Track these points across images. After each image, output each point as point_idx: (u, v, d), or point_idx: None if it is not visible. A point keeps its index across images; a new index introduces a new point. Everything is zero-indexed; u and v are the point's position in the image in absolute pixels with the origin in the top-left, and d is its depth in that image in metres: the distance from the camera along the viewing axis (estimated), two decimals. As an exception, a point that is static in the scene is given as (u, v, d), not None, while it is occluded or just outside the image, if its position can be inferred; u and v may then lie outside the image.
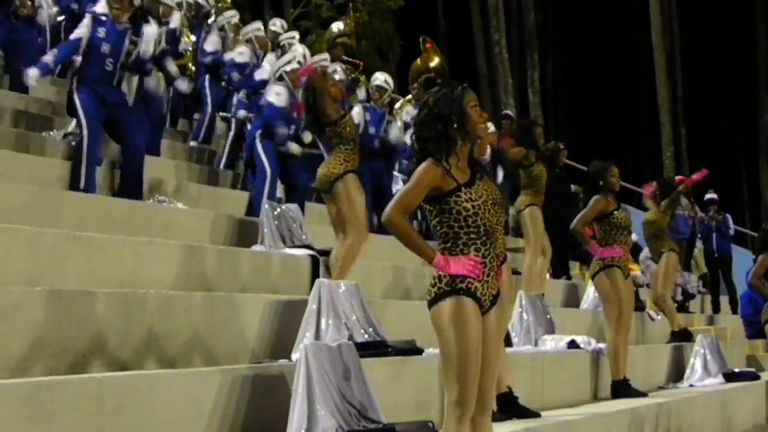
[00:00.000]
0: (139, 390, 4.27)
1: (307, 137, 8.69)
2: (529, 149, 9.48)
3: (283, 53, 10.61)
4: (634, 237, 10.47)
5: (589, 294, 10.41)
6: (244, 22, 12.52)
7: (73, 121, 7.89)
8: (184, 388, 4.52)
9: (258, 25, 11.51)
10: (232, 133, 10.55)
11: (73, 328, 4.82)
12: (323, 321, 5.83)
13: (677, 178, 12.51)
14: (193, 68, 10.74)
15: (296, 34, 11.93)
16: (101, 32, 7.56)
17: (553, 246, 9.80)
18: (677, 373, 9.75)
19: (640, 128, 35.26)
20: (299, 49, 10.57)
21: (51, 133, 8.73)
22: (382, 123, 10.47)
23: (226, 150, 10.60)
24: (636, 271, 11.41)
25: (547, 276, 10.26)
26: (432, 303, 3.91)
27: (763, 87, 30.05)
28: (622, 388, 7.77)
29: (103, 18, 7.62)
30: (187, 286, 6.23)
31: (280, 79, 9.12)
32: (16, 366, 4.53)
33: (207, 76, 11.05)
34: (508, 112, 15.27)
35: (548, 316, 8.35)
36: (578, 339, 8.12)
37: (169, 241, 6.67)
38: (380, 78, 10.81)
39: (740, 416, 9.24)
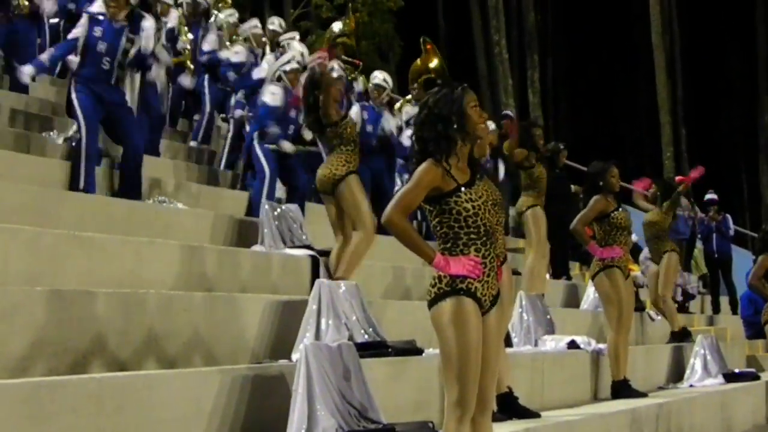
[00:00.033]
0: (139, 390, 4.27)
1: (308, 135, 8.68)
2: (530, 151, 9.49)
3: (283, 53, 10.59)
4: (634, 237, 10.47)
5: (589, 294, 10.42)
6: (243, 22, 12.50)
7: (74, 125, 7.90)
8: (184, 388, 4.52)
9: (255, 22, 11.46)
10: (230, 134, 10.55)
11: (73, 328, 4.82)
12: (323, 321, 5.83)
13: (677, 178, 12.52)
14: (192, 67, 10.74)
15: (296, 35, 11.92)
16: (97, 31, 7.57)
17: (553, 246, 9.80)
18: (677, 373, 9.75)
19: (640, 129, 35.26)
20: (297, 47, 10.56)
21: (51, 133, 8.73)
22: (380, 121, 10.46)
23: (226, 150, 10.60)
24: (636, 271, 11.40)
25: (547, 276, 10.26)
26: (432, 303, 3.91)
27: (763, 87, 30.06)
28: (622, 389, 7.77)
29: (100, 17, 7.63)
30: (187, 287, 6.23)
31: (279, 79, 9.13)
32: (16, 366, 4.53)
33: (206, 76, 11.04)
34: (508, 112, 15.25)
35: (548, 317, 8.35)
36: (578, 339, 8.12)
37: (169, 241, 6.67)
38: (379, 76, 10.79)
39: (740, 416, 9.24)
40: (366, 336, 5.90)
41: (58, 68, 10.26)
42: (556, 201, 10.32)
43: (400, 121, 10.96)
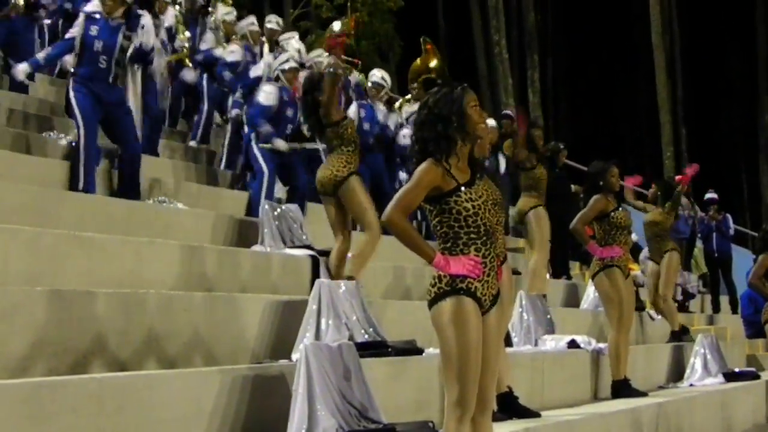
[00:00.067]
0: (140, 390, 4.27)
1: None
2: (530, 152, 9.49)
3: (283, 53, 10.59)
4: (634, 237, 10.48)
5: (589, 294, 10.42)
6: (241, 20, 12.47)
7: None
8: (184, 388, 4.52)
9: (252, 19, 11.40)
10: (228, 134, 10.54)
11: (73, 328, 4.82)
12: (323, 321, 5.83)
13: (676, 178, 12.53)
14: (190, 64, 10.73)
15: (296, 35, 11.90)
16: (94, 30, 7.57)
17: (553, 246, 9.79)
18: (677, 372, 9.76)
19: (640, 128, 35.28)
20: (294, 45, 10.55)
21: (51, 133, 8.73)
22: (377, 119, 10.45)
23: (225, 150, 10.59)
24: (636, 271, 11.42)
25: (547, 276, 10.26)
26: (432, 303, 3.91)
27: (763, 87, 30.06)
28: (622, 388, 7.77)
29: (96, 15, 7.63)
30: (187, 287, 6.23)
31: (277, 78, 9.12)
32: (17, 366, 4.53)
33: (204, 75, 11.03)
34: (509, 112, 15.22)
35: (548, 316, 8.35)
36: (578, 339, 8.12)
37: (169, 241, 6.67)
38: (377, 75, 10.78)
39: (740, 416, 9.24)
40: (366, 336, 5.90)
41: (57, 68, 10.27)
42: (556, 201, 10.32)
43: (400, 118, 10.97)
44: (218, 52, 10.78)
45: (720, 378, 9.49)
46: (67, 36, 7.76)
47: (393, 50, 27.49)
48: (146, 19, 7.89)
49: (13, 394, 3.80)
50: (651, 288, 10.68)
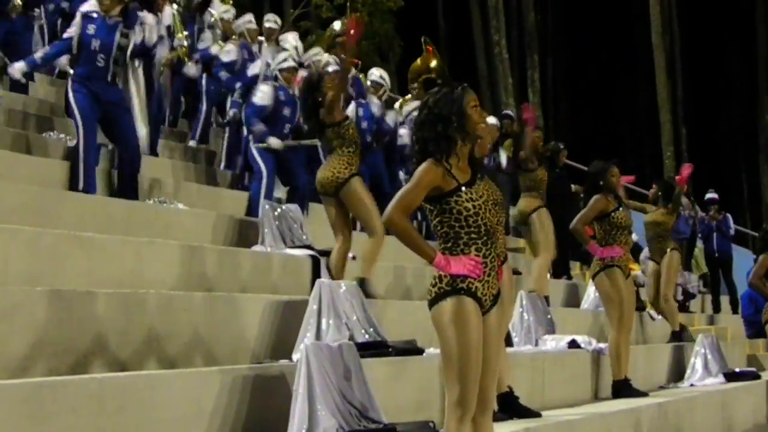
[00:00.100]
0: (140, 390, 4.27)
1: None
2: (531, 154, 9.50)
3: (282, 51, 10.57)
4: (634, 237, 10.48)
5: (590, 294, 10.41)
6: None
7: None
8: (184, 388, 4.51)
9: (249, 17, 11.36)
10: (227, 134, 10.53)
11: (73, 328, 4.82)
12: (324, 321, 5.83)
13: (676, 178, 12.52)
14: (190, 63, 10.71)
15: (295, 35, 11.89)
16: (91, 29, 7.57)
17: (553, 246, 9.80)
18: (678, 372, 9.75)
19: (640, 128, 35.29)
20: (291, 41, 10.53)
21: (51, 134, 8.73)
22: (375, 118, 10.44)
23: (224, 150, 10.59)
24: (636, 270, 11.42)
25: (548, 276, 10.26)
26: (432, 303, 3.91)
27: (763, 87, 30.07)
28: (623, 388, 7.76)
29: (93, 14, 7.62)
30: (187, 286, 6.22)
31: (275, 78, 9.12)
32: (17, 366, 4.53)
33: (204, 74, 11.01)
34: (509, 112, 15.24)
35: (549, 316, 8.35)
36: (579, 339, 8.12)
37: (170, 241, 6.67)
38: (375, 74, 10.76)
39: (741, 416, 9.24)
40: (366, 336, 5.90)
41: (57, 68, 10.25)
42: (556, 201, 10.32)
43: (400, 117, 10.96)
44: (214, 50, 10.77)
45: (720, 378, 9.48)
46: (65, 36, 7.75)
47: (393, 50, 27.48)
48: (148, 17, 7.88)
49: (13, 394, 3.80)
50: (651, 288, 10.68)
